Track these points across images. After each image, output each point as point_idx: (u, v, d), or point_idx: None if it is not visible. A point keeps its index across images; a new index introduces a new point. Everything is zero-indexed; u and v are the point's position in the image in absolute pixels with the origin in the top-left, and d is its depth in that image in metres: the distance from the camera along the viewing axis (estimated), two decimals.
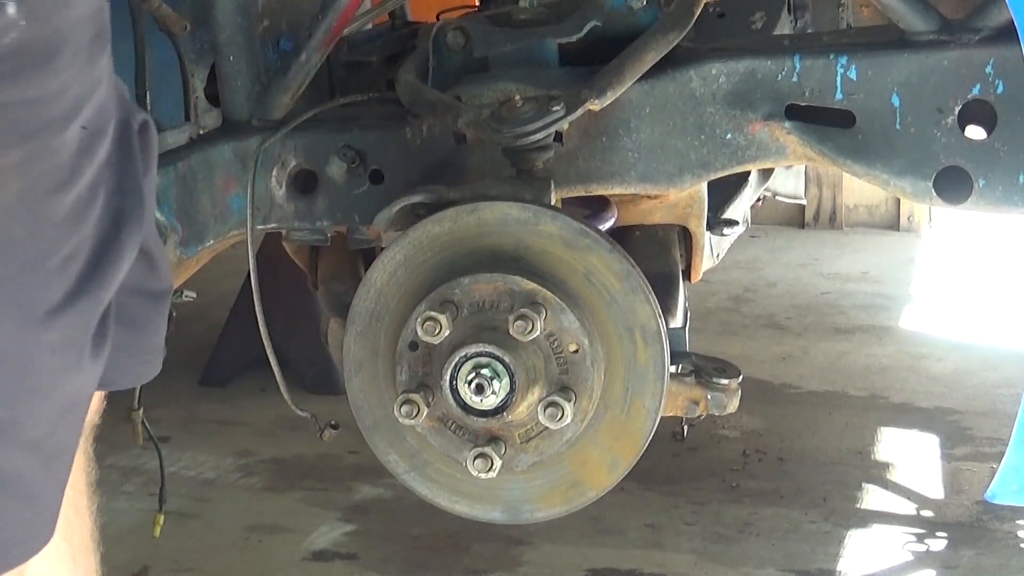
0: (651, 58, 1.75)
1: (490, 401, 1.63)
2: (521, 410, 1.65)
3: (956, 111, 1.69)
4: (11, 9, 1.08)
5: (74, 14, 1.14)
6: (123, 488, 3.36)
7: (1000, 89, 1.67)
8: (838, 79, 1.74)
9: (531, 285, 1.64)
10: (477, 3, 2.48)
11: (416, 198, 1.74)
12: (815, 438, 3.53)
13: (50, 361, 1.20)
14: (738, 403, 1.90)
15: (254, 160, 1.89)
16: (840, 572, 2.84)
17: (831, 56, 1.74)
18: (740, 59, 1.78)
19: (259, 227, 1.95)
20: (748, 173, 2.45)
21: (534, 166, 1.75)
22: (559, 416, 1.62)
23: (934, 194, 1.72)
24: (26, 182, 1.14)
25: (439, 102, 1.81)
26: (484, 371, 1.62)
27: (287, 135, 1.92)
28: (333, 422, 2.06)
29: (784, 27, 2.59)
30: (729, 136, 1.80)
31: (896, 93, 1.72)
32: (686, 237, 2.09)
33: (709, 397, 1.88)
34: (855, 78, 1.73)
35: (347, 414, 1.81)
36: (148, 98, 2.09)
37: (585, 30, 1.86)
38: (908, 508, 3.13)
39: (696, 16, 1.80)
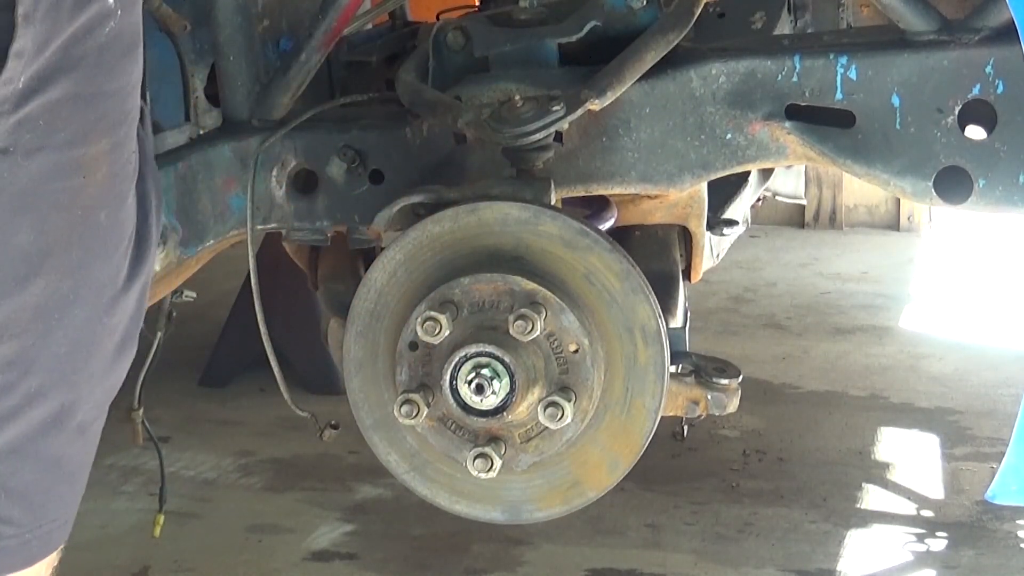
0: (651, 58, 1.75)
1: (490, 401, 1.63)
2: (521, 410, 1.65)
3: (956, 111, 1.69)
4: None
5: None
6: (123, 488, 3.36)
7: (1000, 89, 1.67)
8: (838, 79, 1.74)
9: (531, 285, 1.63)
10: (477, 3, 2.48)
11: (416, 198, 1.74)
12: (815, 438, 3.53)
13: (108, 345, 1.25)
14: (738, 403, 1.90)
15: (254, 160, 1.89)
16: (840, 572, 2.84)
17: (831, 56, 1.74)
18: (740, 59, 1.78)
19: (259, 227, 1.95)
20: (748, 173, 2.45)
21: (534, 166, 1.75)
22: (559, 416, 1.61)
23: (934, 194, 1.72)
24: (111, 170, 1.18)
25: (439, 102, 1.81)
26: (484, 371, 1.62)
27: (287, 135, 1.91)
28: (333, 422, 2.06)
29: (784, 27, 2.59)
30: (729, 136, 1.79)
31: (896, 93, 1.72)
32: (686, 237, 2.09)
33: (709, 397, 1.88)
34: (855, 78, 1.73)
35: (347, 414, 1.81)
36: (148, 98, 2.08)
37: (585, 30, 1.86)
38: (908, 508, 3.13)
39: (696, 16, 1.80)
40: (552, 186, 1.73)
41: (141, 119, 1.29)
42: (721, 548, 2.95)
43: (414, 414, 1.65)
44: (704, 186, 1.99)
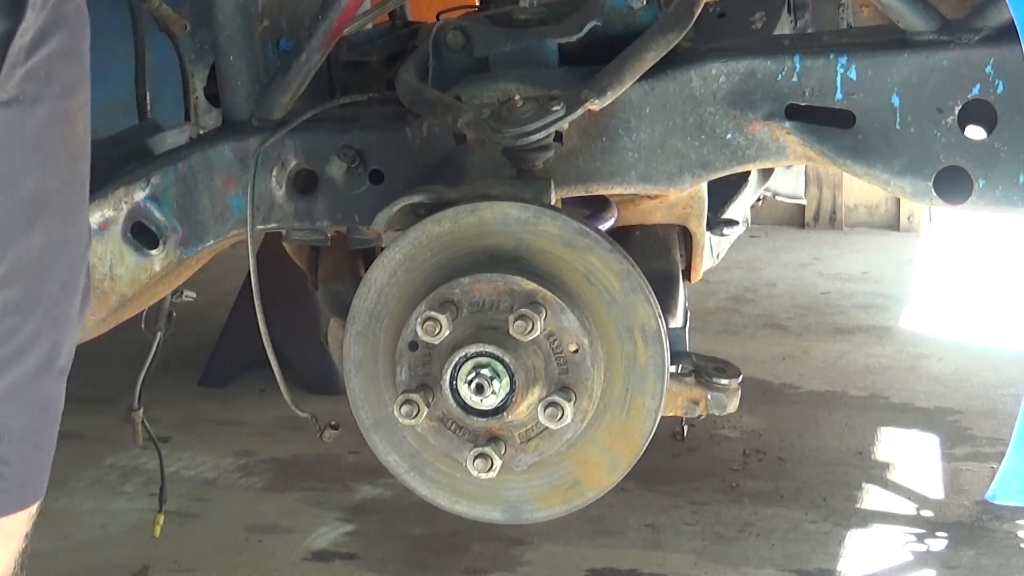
0: (651, 58, 1.75)
1: (490, 401, 1.63)
2: (521, 410, 1.65)
3: (956, 111, 1.69)
4: None
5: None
6: (123, 488, 3.37)
7: (1000, 89, 1.67)
8: (838, 79, 1.74)
9: (531, 285, 1.64)
10: (477, 3, 2.48)
11: (416, 198, 1.74)
12: (815, 438, 3.53)
13: (80, 289, 1.31)
14: (738, 403, 1.90)
15: (254, 160, 1.89)
16: (840, 572, 2.84)
17: (831, 56, 1.74)
18: (740, 59, 1.78)
19: (259, 227, 1.95)
20: (748, 173, 2.45)
21: (534, 166, 1.75)
22: (559, 416, 1.62)
23: (934, 194, 1.72)
24: (85, 124, 1.27)
25: (439, 102, 1.81)
26: (484, 371, 1.62)
27: (287, 135, 1.92)
28: (333, 422, 2.06)
29: (784, 27, 2.59)
30: (729, 136, 1.80)
31: (896, 93, 1.72)
32: (686, 237, 2.09)
33: (709, 397, 1.88)
34: (855, 78, 1.73)
35: (347, 414, 1.81)
36: (148, 98, 2.09)
37: (585, 30, 1.86)
38: (908, 508, 3.13)
39: (696, 16, 1.80)
40: (552, 186, 1.73)
41: None
42: (721, 548, 2.95)
43: (414, 414, 1.65)
44: (704, 186, 1.99)
